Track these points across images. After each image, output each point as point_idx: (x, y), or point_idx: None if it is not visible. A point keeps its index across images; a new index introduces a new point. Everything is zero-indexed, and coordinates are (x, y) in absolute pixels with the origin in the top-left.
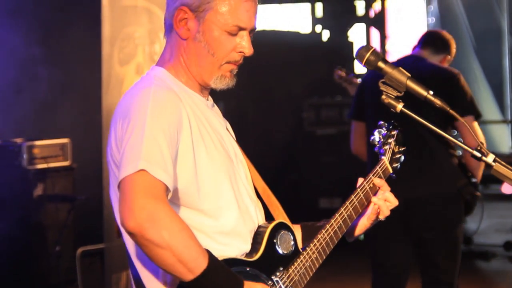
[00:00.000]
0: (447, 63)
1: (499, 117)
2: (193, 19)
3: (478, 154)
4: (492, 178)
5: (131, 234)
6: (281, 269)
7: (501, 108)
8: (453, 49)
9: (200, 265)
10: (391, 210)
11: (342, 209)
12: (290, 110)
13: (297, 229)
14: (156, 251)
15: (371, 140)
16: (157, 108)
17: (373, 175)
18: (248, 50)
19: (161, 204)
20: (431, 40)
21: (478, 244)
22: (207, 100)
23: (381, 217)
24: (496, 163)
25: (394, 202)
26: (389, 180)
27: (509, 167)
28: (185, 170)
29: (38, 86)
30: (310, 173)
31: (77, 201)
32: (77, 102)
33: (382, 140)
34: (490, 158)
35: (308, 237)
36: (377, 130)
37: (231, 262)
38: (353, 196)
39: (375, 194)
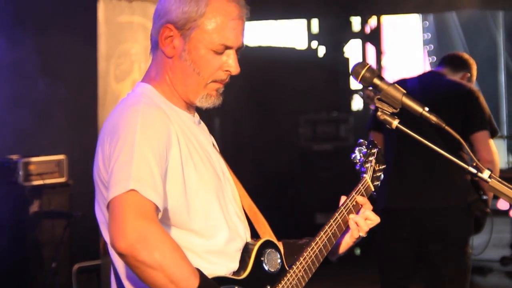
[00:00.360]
0: (467, 81)
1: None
2: (178, 37)
3: (474, 170)
4: None
5: (122, 255)
6: (268, 287)
7: (497, 123)
8: (473, 69)
9: (191, 285)
10: (402, 222)
11: (327, 227)
12: (286, 126)
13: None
14: (148, 272)
15: (352, 158)
16: (146, 127)
17: (356, 193)
18: (235, 69)
19: (152, 224)
20: (449, 59)
21: (474, 259)
22: (194, 116)
23: (361, 234)
24: (492, 179)
25: (375, 219)
26: (400, 190)
27: (505, 183)
28: (174, 189)
29: (34, 103)
30: (306, 188)
31: (73, 218)
32: (73, 118)
33: (363, 158)
34: (485, 174)
35: (289, 255)
36: (357, 149)
37: (220, 280)
38: (336, 214)
39: (358, 212)
